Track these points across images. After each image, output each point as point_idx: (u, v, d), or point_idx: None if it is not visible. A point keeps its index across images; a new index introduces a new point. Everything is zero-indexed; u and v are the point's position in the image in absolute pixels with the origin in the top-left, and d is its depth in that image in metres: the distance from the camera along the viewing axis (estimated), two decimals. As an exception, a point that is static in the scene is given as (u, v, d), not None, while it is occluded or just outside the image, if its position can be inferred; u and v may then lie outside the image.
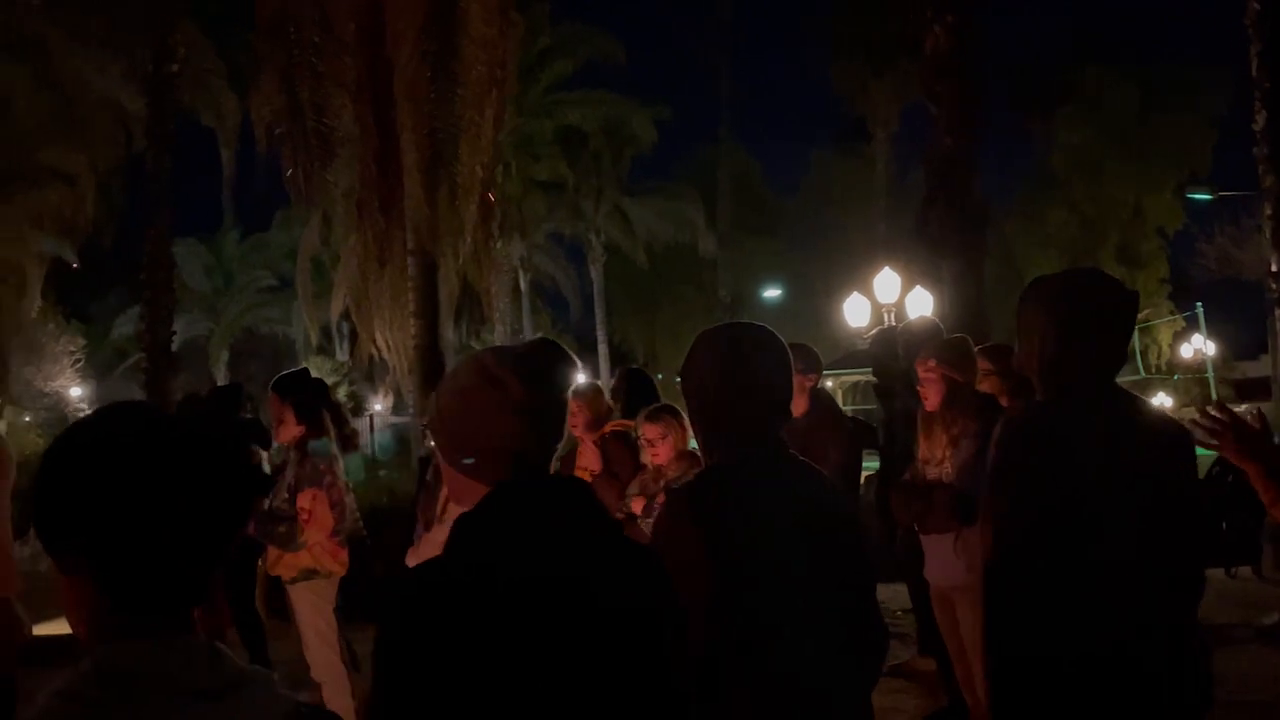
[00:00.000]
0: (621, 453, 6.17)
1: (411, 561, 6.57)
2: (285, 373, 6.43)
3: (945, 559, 5.23)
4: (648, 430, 5.64)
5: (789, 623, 2.29)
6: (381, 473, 20.78)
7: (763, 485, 2.37)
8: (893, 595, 7.98)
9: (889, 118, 36.36)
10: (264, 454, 7.67)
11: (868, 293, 13.88)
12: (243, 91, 20.28)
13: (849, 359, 26.52)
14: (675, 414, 5.78)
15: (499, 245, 18.99)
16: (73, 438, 1.37)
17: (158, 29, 17.30)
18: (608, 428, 6.37)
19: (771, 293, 40.97)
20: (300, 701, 1.41)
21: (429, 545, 6.46)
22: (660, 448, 5.63)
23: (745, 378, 2.43)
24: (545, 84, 31.49)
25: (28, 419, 27.71)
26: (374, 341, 16.66)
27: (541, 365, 1.88)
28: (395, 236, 13.93)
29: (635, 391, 6.92)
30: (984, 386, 5.50)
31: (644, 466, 5.81)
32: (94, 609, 1.33)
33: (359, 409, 34.97)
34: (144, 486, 1.31)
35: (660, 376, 33.79)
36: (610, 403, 6.76)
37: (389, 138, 13.38)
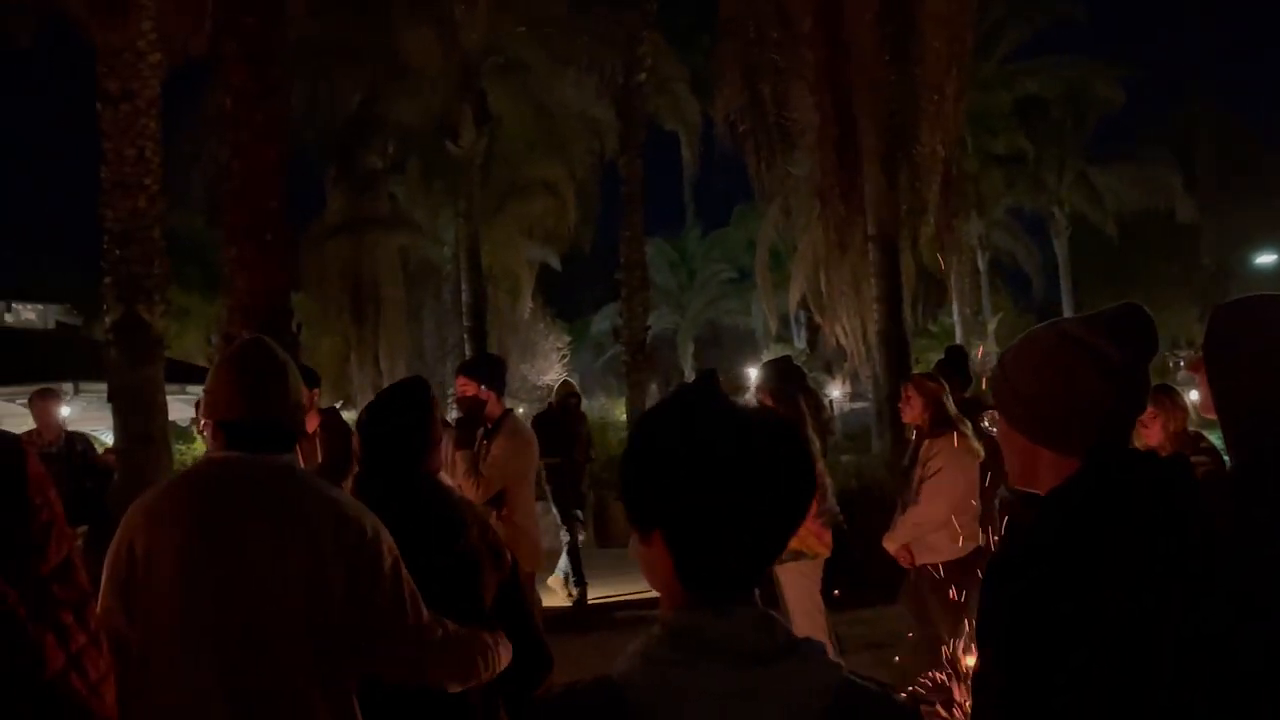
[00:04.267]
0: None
1: (890, 546, 6.61)
2: (771, 360, 6.66)
3: None
4: None
5: None
6: (844, 457, 20.94)
7: None
8: None
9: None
10: None
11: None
12: (702, 94, 21.23)
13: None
14: (1171, 393, 5.49)
15: (959, 224, 18.53)
16: (656, 420, 1.49)
17: (628, 43, 18.49)
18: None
19: (1265, 258, 36.94)
20: (850, 671, 1.44)
21: (906, 528, 6.49)
22: (1152, 427, 5.37)
23: None
24: (1000, 55, 30.34)
25: (522, 410, 30.46)
26: (834, 328, 16.85)
27: (1134, 327, 1.84)
28: (856, 223, 14.00)
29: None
30: None
31: None
32: (668, 578, 1.43)
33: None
34: (721, 468, 1.39)
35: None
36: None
37: (848, 125, 13.46)
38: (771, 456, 1.42)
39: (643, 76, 18.72)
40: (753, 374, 33.93)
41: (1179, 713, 1.65)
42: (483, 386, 5.91)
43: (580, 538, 11.59)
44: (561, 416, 11.85)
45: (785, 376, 6.51)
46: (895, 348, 14.07)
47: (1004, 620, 1.73)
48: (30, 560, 2.45)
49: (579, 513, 11.71)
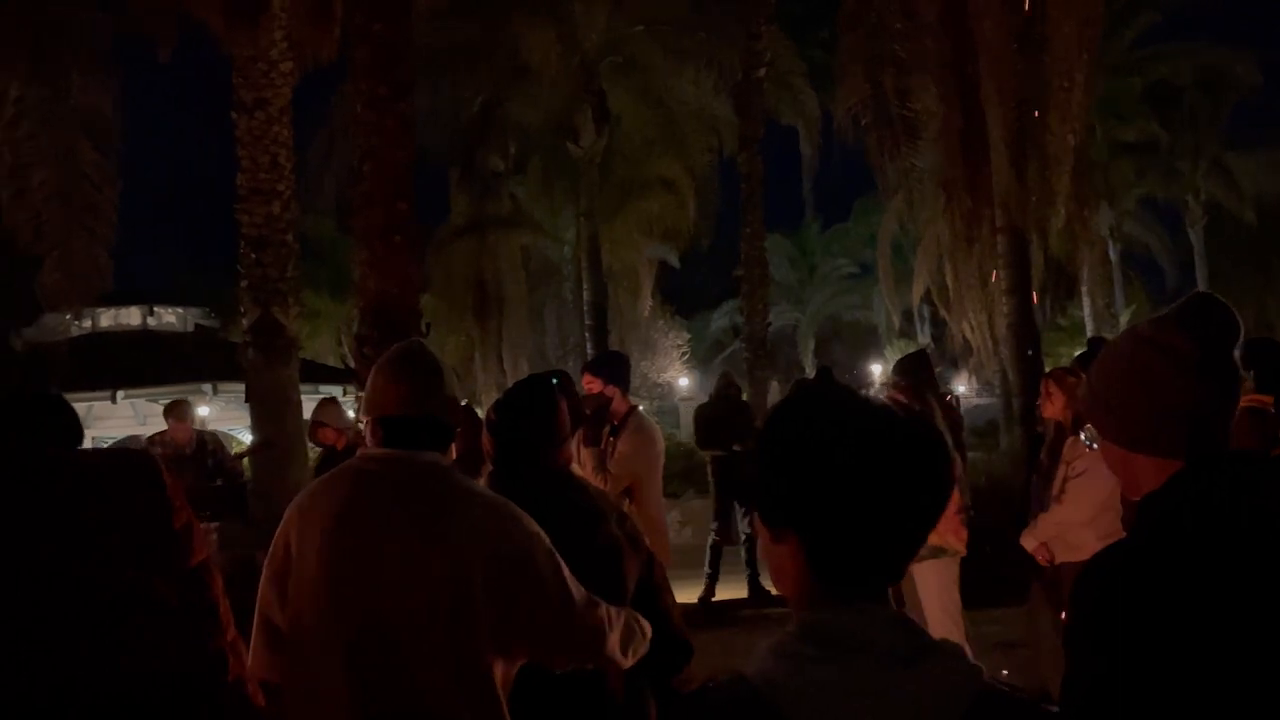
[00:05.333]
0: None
1: (1028, 544, 6.46)
2: (905, 355, 6.59)
3: None
4: None
5: None
6: (971, 454, 20.57)
7: None
8: None
9: None
10: None
11: None
12: (821, 87, 21.04)
13: None
14: None
15: (1090, 214, 18.02)
16: (789, 415, 1.46)
17: (746, 38, 18.43)
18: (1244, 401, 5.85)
19: None
20: (991, 676, 1.40)
21: (1046, 526, 6.34)
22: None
23: None
24: (1130, 39, 29.44)
25: (642, 408, 30.52)
26: (961, 323, 16.57)
27: (1205, 317, 1.77)
28: (983, 214, 13.72)
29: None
30: None
31: None
32: (800, 576, 1.41)
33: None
34: (854, 467, 1.36)
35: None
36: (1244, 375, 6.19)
37: (974, 116, 13.19)
38: (908, 452, 1.39)
39: (761, 72, 18.60)
40: (876, 370, 33.34)
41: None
42: (608, 384, 5.94)
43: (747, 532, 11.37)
44: (720, 408, 11.81)
45: (916, 372, 6.40)
46: (1025, 342, 13.78)
47: (1088, 625, 1.68)
48: (177, 554, 2.61)
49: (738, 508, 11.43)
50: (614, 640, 2.80)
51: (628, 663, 2.89)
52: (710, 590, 11.22)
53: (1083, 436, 6.10)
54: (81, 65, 12.73)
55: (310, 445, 11.00)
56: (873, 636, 1.35)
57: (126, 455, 2.45)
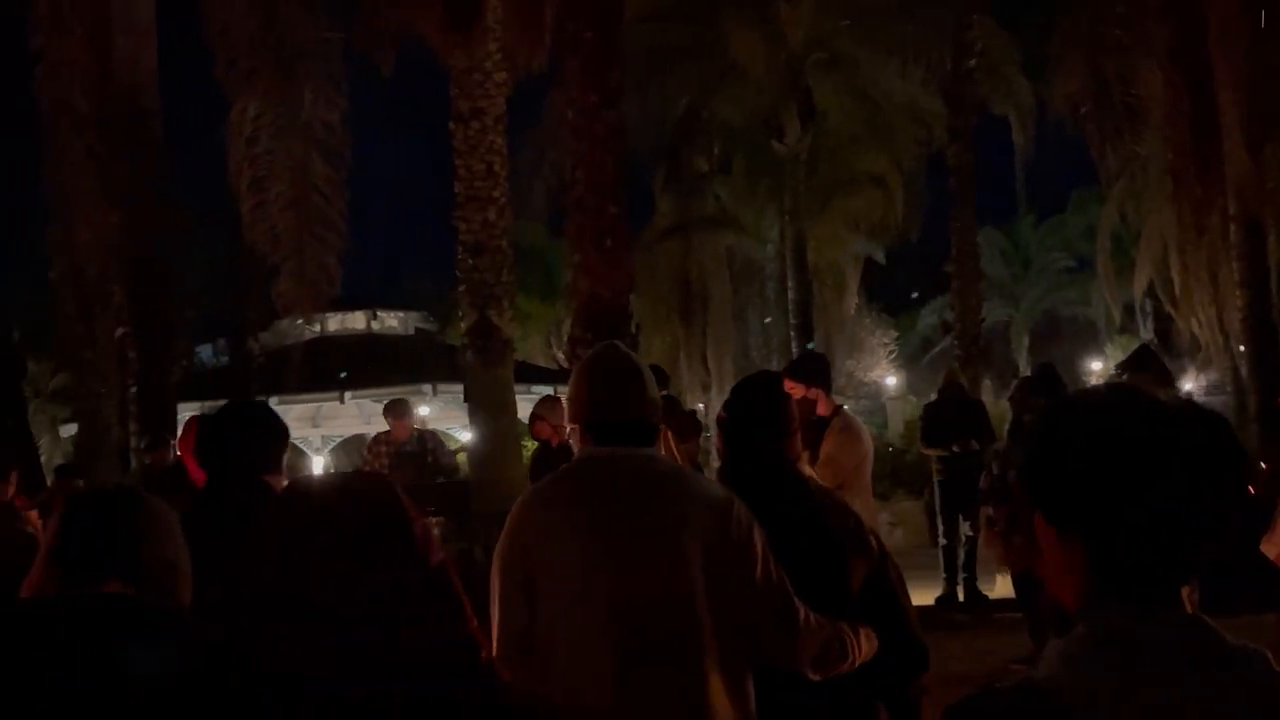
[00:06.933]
0: None
1: (1269, 550, 6.10)
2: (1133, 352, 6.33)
3: None
4: None
5: None
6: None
7: None
8: None
9: None
10: None
11: None
12: (1035, 76, 20.34)
13: None
14: None
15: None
16: (1073, 412, 1.44)
17: (956, 28, 18.01)
18: None
19: None
20: None
21: (1288, 533, 5.97)
22: None
23: None
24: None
25: (846, 407, 30.08)
26: (1189, 317, 15.78)
27: None
28: (1214, 203, 12.99)
29: None
30: None
31: None
32: (1086, 579, 1.37)
33: (1168, 389, 33.04)
34: (1145, 464, 1.33)
35: None
36: None
37: (1204, 99, 12.51)
38: (1203, 448, 1.34)
39: (972, 62, 18.11)
40: (1096, 367, 31.77)
41: None
42: (810, 386, 5.91)
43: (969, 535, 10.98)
44: (944, 407, 11.56)
45: (1147, 366, 6.12)
46: (1262, 336, 13.01)
47: None
48: (422, 555, 2.79)
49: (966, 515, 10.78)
50: (807, 647, 2.76)
51: (815, 676, 2.83)
52: (950, 592, 11.01)
53: None
54: (313, 82, 13.46)
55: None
56: (1167, 643, 1.30)
57: (366, 481, 2.72)
